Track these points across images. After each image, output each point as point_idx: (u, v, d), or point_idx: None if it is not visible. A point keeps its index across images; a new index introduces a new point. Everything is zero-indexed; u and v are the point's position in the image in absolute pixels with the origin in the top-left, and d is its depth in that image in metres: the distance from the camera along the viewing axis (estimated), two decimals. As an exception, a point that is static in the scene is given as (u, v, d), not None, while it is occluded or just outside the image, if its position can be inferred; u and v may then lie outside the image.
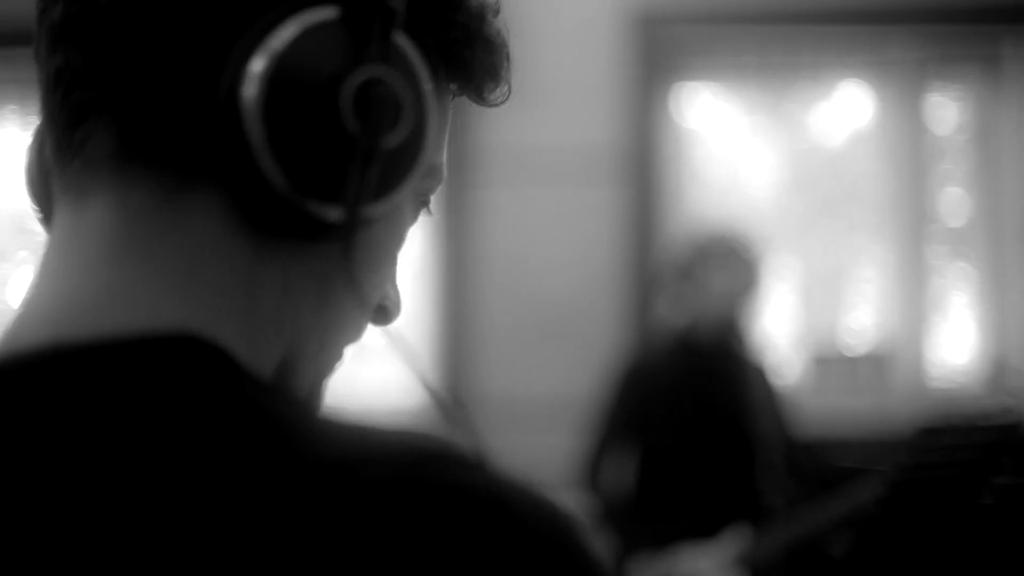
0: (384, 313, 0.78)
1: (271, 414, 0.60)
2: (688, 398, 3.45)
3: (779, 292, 5.12)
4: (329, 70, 0.64)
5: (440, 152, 0.77)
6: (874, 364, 4.92)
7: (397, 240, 0.75)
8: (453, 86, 0.78)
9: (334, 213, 0.66)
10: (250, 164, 0.63)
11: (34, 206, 0.78)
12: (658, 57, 4.89)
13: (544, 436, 4.68)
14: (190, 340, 0.63)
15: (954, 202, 5.18)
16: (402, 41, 0.68)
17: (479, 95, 0.78)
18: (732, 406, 3.45)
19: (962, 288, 5.16)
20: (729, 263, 3.40)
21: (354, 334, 0.76)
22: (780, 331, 5.11)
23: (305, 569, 0.53)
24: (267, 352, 0.68)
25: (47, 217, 0.76)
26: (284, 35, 0.63)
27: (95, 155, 0.67)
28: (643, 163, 4.85)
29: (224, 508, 0.54)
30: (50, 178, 0.72)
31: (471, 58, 0.75)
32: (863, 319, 5.18)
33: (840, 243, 5.09)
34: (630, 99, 4.87)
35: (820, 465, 4.31)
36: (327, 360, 0.75)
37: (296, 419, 0.61)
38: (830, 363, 4.95)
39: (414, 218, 0.78)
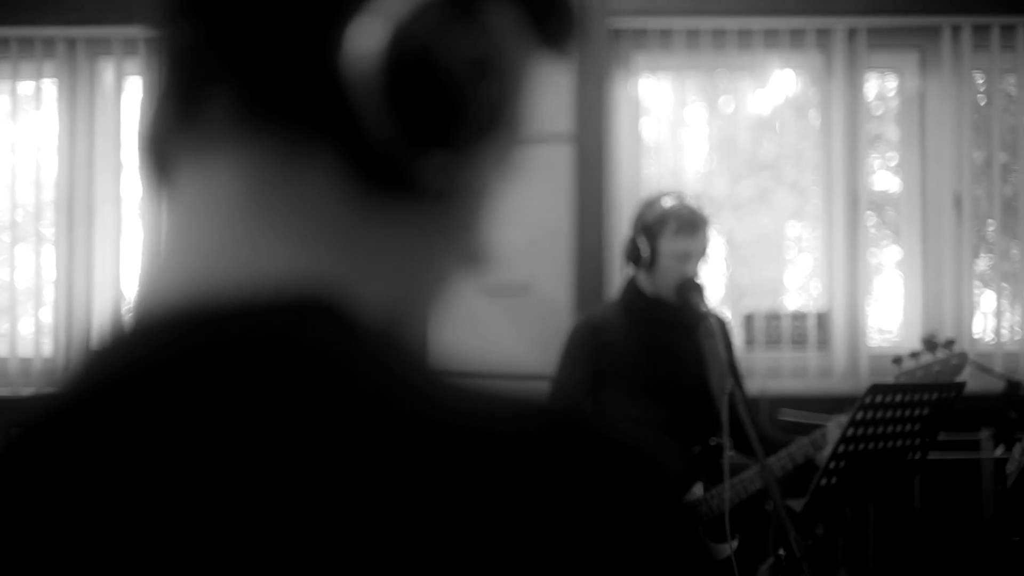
0: (476, 264, 0.83)
1: (403, 380, 0.65)
2: (647, 355, 3.52)
3: (720, 252, 5.22)
4: (441, 39, 0.68)
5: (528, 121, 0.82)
6: (811, 323, 5.04)
7: (486, 203, 0.80)
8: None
9: (441, 171, 0.71)
10: (368, 121, 0.68)
11: (147, 169, 0.80)
12: (607, 29, 4.96)
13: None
14: (321, 307, 0.67)
15: (888, 171, 5.34)
16: (505, 13, 0.73)
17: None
18: (692, 363, 3.53)
19: (895, 254, 5.31)
20: (688, 224, 3.46)
21: (451, 285, 0.81)
22: (721, 290, 5.22)
23: (459, 530, 0.58)
24: (377, 300, 0.72)
25: (161, 181, 0.78)
26: (400, 3, 0.68)
27: (219, 118, 0.71)
28: (592, 131, 4.92)
29: (370, 473, 0.59)
30: (165, 143, 0.75)
31: (554, 28, 0.79)
32: (801, 278, 5.31)
33: (778, 208, 5.20)
34: (581, 66, 4.93)
35: (762, 419, 4.43)
36: (428, 310, 0.79)
37: (425, 384, 0.66)
38: (768, 322, 5.06)
39: (499, 183, 0.82)
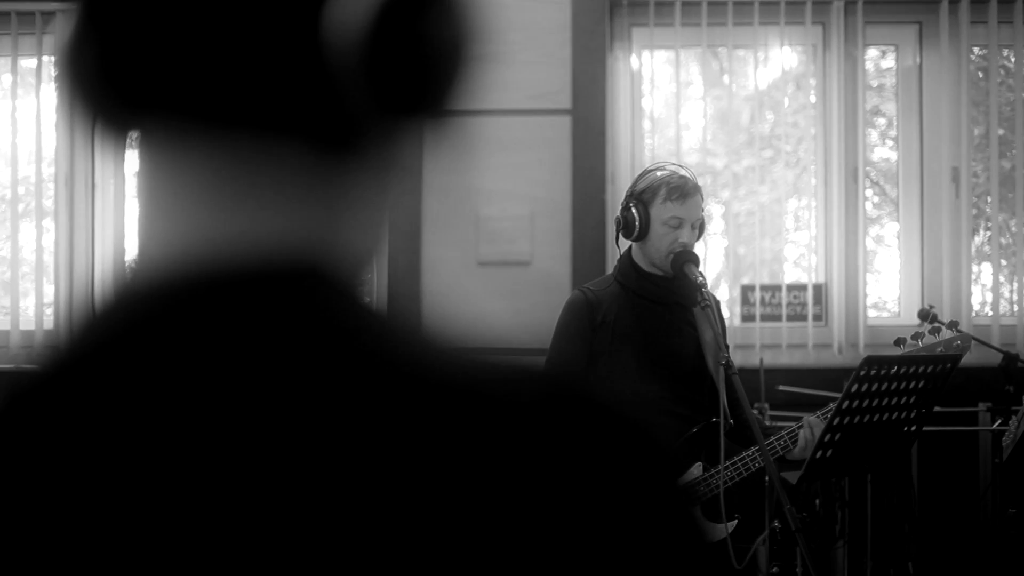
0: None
1: (400, 343, 0.69)
2: (642, 332, 3.53)
3: (718, 225, 5.24)
4: (423, 15, 0.71)
5: None
6: (809, 296, 5.05)
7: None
8: None
9: (407, 138, 0.75)
10: (345, 92, 0.70)
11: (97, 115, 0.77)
12: (605, 1, 4.98)
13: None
14: (309, 270, 0.70)
15: (886, 145, 5.36)
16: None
17: None
18: (687, 340, 3.53)
19: (893, 228, 5.33)
20: (677, 190, 3.48)
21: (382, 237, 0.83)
22: (718, 262, 5.24)
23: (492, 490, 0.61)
24: (350, 258, 0.75)
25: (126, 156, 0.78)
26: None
27: (179, 122, 0.72)
28: (591, 104, 4.93)
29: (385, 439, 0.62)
30: (123, 127, 0.76)
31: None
32: (799, 252, 5.33)
33: (777, 182, 5.21)
34: (580, 40, 4.93)
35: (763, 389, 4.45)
36: (376, 262, 0.82)
37: (418, 345, 0.69)
38: (766, 294, 5.08)
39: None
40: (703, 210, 3.57)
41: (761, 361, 4.58)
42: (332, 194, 0.74)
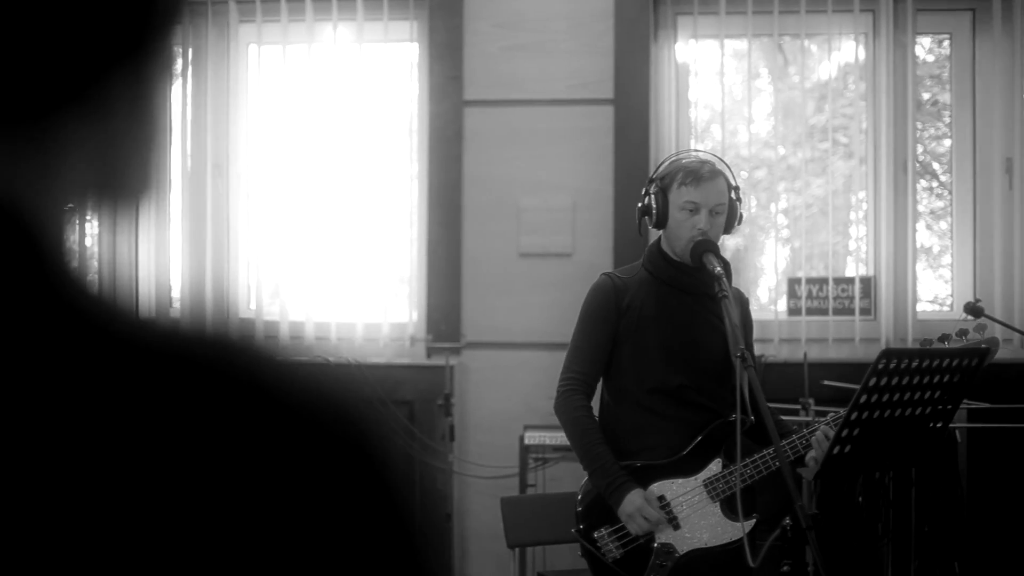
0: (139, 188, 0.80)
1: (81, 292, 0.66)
2: (666, 320, 3.47)
3: (768, 217, 5.16)
4: None
5: None
6: (856, 289, 4.96)
7: (147, 126, 0.78)
8: None
9: (115, 87, 0.71)
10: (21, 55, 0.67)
11: None
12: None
13: (533, 350, 4.78)
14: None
15: (940, 135, 5.24)
16: None
17: None
18: (712, 330, 3.47)
19: (945, 220, 5.22)
20: (693, 174, 3.42)
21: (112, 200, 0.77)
22: (768, 255, 5.16)
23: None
24: (42, 207, 0.71)
25: None
26: None
27: None
28: (633, 91, 4.88)
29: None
30: None
31: None
32: (851, 246, 5.24)
33: (829, 173, 5.11)
34: (623, 28, 4.89)
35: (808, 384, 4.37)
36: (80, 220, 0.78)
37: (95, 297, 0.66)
38: (812, 287, 4.99)
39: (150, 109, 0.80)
40: (728, 197, 3.50)
41: (805, 355, 4.50)
42: (34, 146, 0.70)
